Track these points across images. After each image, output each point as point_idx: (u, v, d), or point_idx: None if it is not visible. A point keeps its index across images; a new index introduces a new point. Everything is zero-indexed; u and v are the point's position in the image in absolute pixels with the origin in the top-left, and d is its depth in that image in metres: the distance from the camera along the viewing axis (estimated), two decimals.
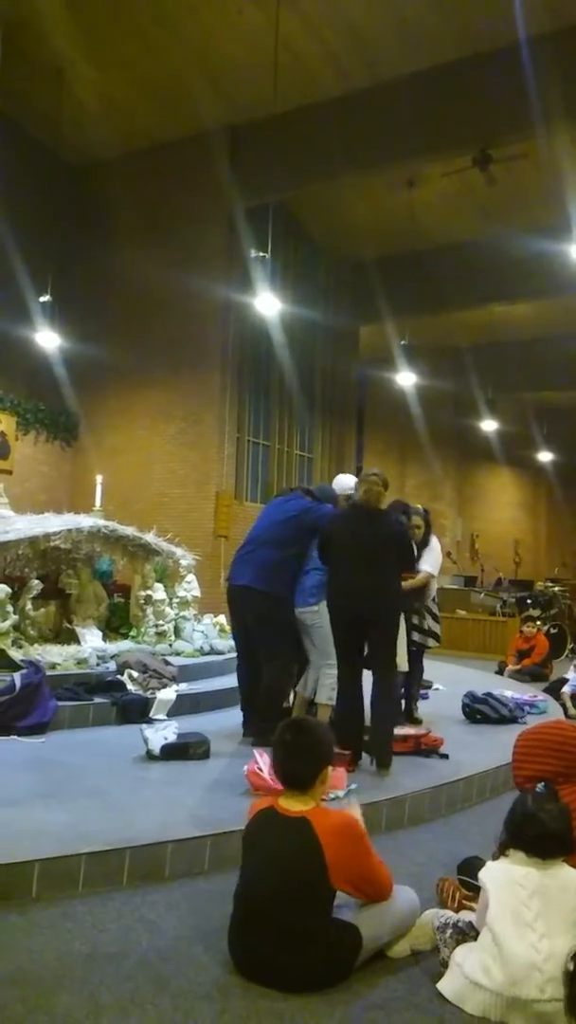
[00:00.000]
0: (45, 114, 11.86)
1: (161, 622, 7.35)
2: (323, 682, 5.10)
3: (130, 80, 11.59)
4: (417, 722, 5.81)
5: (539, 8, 9.33)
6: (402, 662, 5.53)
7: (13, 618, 6.12)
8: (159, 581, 7.55)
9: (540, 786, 2.88)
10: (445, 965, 2.57)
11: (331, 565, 4.77)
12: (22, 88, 11.06)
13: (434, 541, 6.00)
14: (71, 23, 10.39)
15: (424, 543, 5.88)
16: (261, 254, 9.98)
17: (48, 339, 11.63)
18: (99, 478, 9.16)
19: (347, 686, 4.69)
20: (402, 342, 14.69)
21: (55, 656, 6.08)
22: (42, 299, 11.20)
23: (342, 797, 3.89)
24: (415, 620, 5.80)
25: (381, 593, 4.57)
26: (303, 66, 10.66)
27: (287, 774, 2.69)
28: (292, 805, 2.62)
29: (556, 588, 14.56)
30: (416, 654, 5.89)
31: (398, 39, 10.28)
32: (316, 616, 5.06)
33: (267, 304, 10.64)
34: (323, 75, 10.99)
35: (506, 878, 2.51)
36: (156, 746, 4.59)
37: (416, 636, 5.81)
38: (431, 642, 5.99)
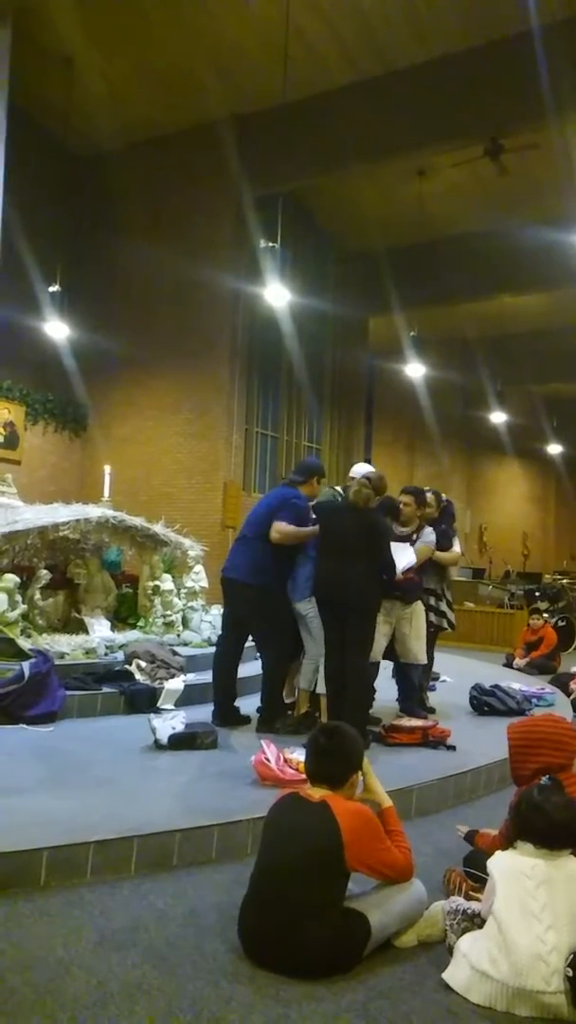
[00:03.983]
0: (54, 104, 11.83)
1: (169, 612, 7.37)
2: (304, 667, 5.23)
3: (138, 69, 11.55)
4: (430, 711, 5.84)
5: None
6: (421, 655, 5.57)
7: (22, 608, 6.15)
8: (167, 571, 7.56)
9: (545, 779, 2.88)
10: (452, 952, 2.58)
11: (319, 553, 5.06)
12: (31, 78, 11.01)
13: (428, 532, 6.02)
14: (79, 12, 10.35)
15: (435, 525, 5.95)
16: (270, 244, 9.93)
17: (57, 329, 11.63)
18: (107, 468, 9.16)
19: (334, 669, 4.94)
20: (411, 333, 14.64)
21: (63, 646, 6.11)
22: (51, 289, 11.20)
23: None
24: (432, 601, 5.84)
25: (357, 582, 4.84)
26: (312, 55, 10.59)
27: (318, 775, 2.78)
28: (315, 792, 2.71)
29: (564, 581, 14.53)
30: (428, 639, 5.92)
31: (408, 27, 10.21)
32: (311, 606, 5.13)
33: (276, 295, 10.60)
34: (332, 64, 10.92)
35: (513, 869, 2.52)
36: (164, 736, 4.61)
37: (432, 617, 5.84)
38: (445, 624, 6.02)
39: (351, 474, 5.64)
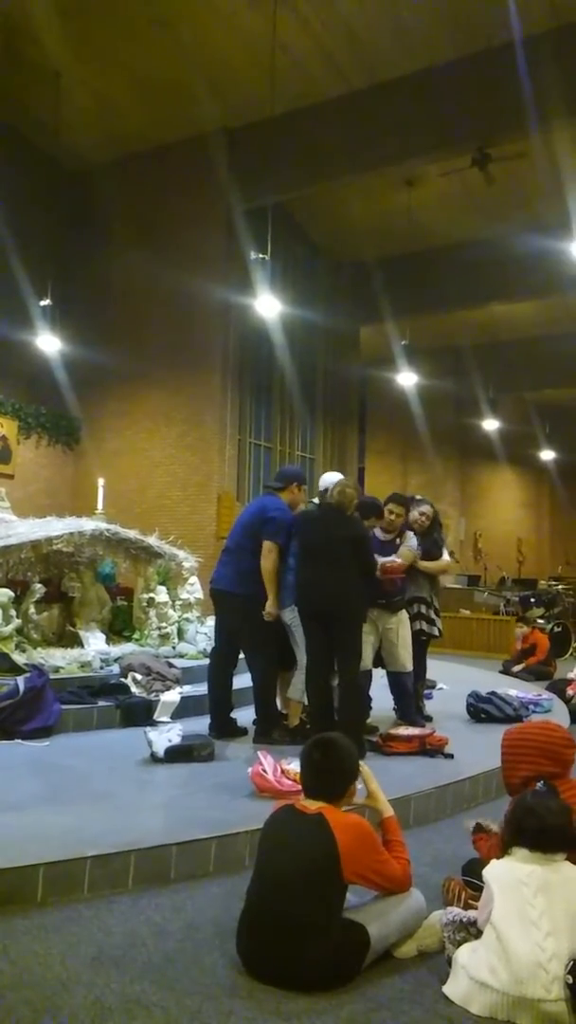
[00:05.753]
0: (43, 119, 11.88)
1: (164, 624, 7.36)
2: (296, 678, 5.20)
3: (127, 83, 11.61)
4: (428, 719, 5.83)
5: (536, 6, 9.34)
6: (408, 662, 5.56)
7: (16, 622, 6.13)
8: (162, 583, 7.56)
9: (540, 784, 2.88)
10: (451, 963, 2.56)
11: (299, 561, 5.00)
12: (19, 94, 11.08)
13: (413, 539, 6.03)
14: (67, 27, 10.41)
15: (427, 535, 5.96)
16: (260, 256, 9.97)
17: (48, 343, 11.64)
18: (101, 481, 9.16)
19: (316, 677, 4.91)
20: (403, 342, 14.67)
21: (59, 659, 6.09)
22: (42, 303, 11.21)
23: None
24: (422, 609, 5.83)
25: (343, 589, 4.79)
26: (300, 67, 10.67)
27: (315, 790, 2.76)
28: (311, 805, 2.69)
29: (559, 586, 14.55)
30: (420, 647, 5.91)
31: (395, 39, 10.29)
32: (293, 615, 5.13)
33: (267, 306, 10.63)
34: (320, 76, 11.00)
35: (510, 876, 2.50)
36: (160, 748, 4.59)
37: (424, 625, 5.84)
38: (436, 631, 6.02)
39: (321, 482, 5.63)
